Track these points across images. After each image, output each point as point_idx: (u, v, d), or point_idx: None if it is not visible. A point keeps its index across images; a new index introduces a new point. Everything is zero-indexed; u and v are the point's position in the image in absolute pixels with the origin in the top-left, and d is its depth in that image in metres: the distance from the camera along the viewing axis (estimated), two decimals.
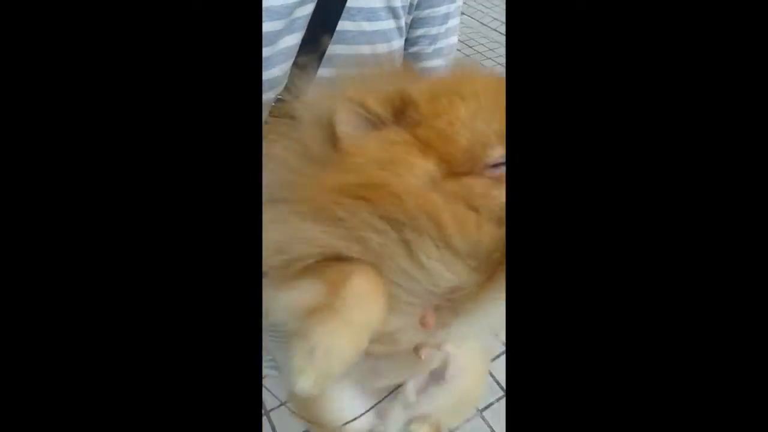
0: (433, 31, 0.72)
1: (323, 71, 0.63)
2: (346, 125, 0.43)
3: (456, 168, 0.41)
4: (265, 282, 0.39)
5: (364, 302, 0.39)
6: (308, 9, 0.62)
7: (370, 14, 0.65)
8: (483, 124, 0.42)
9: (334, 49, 0.64)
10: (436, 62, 0.74)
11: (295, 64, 0.62)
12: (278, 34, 0.61)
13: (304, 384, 0.35)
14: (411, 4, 0.68)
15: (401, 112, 0.43)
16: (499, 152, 0.41)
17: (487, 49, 3.52)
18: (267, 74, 0.62)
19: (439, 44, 0.73)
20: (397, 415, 0.65)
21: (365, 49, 0.65)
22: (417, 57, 0.73)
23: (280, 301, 0.42)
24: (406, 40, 0.71)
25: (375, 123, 0.43)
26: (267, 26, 0.59)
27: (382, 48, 0.67)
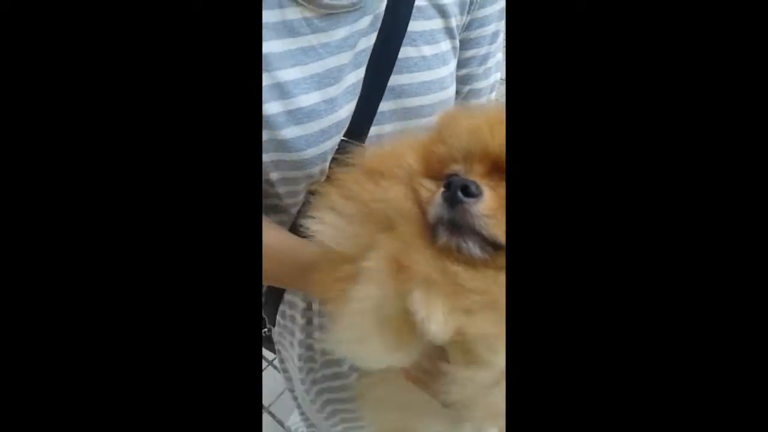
0: (483, 51, 0.70)
1: (385, 104, 0.62)
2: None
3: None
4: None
5: None
6: (372, 39, 0.60)
7: (430, 37, 0.63)
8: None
9: (396, 79, 0.62)
10: (484, 83, 0.72)
11: (360, 99, 0.60)
12: (342, 70, 0.59)
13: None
14: (464, 24, 0.66)
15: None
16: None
17: None
18: (334, 117, 0.60)
19: (489, 63, 0.71)
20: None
21: (426, 76, 0.64)
22: (467, 79, 0.71)
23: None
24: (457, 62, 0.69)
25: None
26: (332, 61, 0.58)
27: (442, 72, 0.65)
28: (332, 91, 0.59)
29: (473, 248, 0.39)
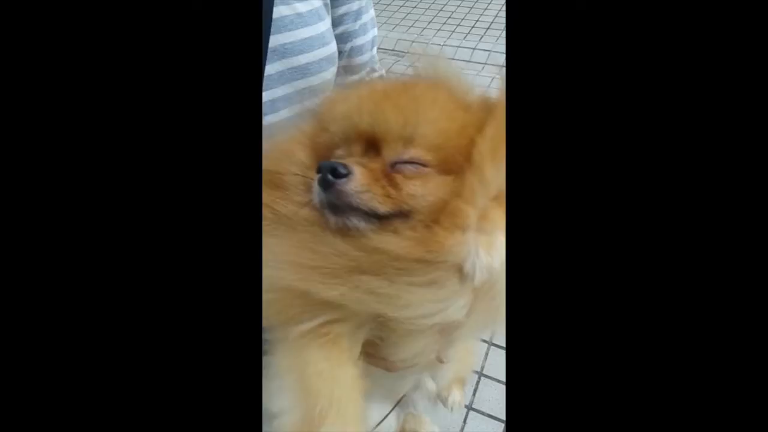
0: (354, 6, 0.72)
1: (271, 67, 0.61)
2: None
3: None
4: None
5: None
6: None
7: None
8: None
9: (277, 39, 0.60)
10: (363, 39, 0.75)
11: None
12: None
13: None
14: None
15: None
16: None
17: None
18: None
19: (363, 19, 0.74)
20: (421, 401, 0.78)
21: (306, 32, 0.63)
22: (346, 37, 0.73)
23: None
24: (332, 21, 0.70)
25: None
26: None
27: (320, 28, 0.65)
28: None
29: (358, 222, 0.41)
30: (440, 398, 0.76)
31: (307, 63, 0.64)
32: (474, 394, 1.67)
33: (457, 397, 0.73)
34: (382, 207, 0.41)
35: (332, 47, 0.68)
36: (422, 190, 0.41)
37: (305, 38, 0.63)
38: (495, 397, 1.64)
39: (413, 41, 3.49)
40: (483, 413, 1.62)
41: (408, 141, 0.42)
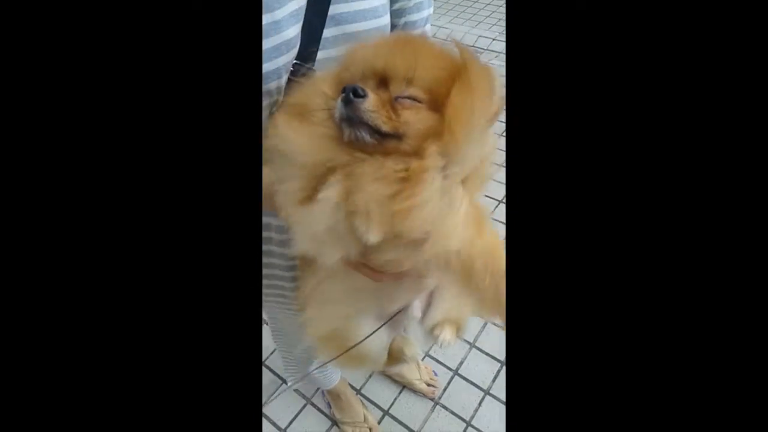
0: None
1: (328, 31, 0.71)
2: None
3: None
4: None
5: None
6: None
7: None
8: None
9: (335, 8, 0.70)
10: (417, 16, 0.82)
11: (304, 24, 0.69)
12: None
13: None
14: None
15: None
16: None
17: None
18: (283, 36, 0.67)
19: None
20: (414, 329, 0.83)
21: (360, 5, 0.72)
22: (401, 13, 0.81)
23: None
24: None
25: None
26: None
27: (374, 3, 0.73)
28: (278, 14, 0.66)
29: (365, 136, 0.52)
30: (432, 336, 0.81)
31: (359, 31, 0.74)
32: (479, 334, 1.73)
33: (448, 335, 0.77)
34: (384, 126, 0.52)
35: (384, 20, 0.76)
36: (413, 118, 0.53)
37: (359, 10, 0.73)
38: (496, 340, 1.69)
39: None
40: (484, 352, 1.68)
41: (409, 81, 0.54)
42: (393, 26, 0.81)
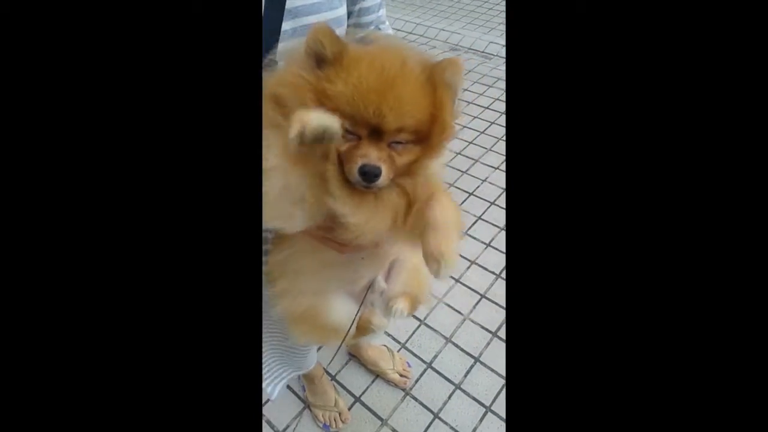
0: None
1: (286, 24, 0.74)
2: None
3: None
4: None
5: None
6: None
7: None
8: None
9: (291, 2, 0.74)
10: (371, 2, 0.87)
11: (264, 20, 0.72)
12: None
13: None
14: None
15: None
16: None
17: None
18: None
19: None
20: (378, 302, 0.87)
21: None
22: (356, 1, 0.86)
23: None
24: None
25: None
26: None
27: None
28: None
29: (371, 187, 0.62)
30: (387, 307, 0.85)
31: (315, 23, 0.75)
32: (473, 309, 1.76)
33: (401, 305, 0.81)
34: (387, 181, 0.63)
35: (339, 11, 0.81)
36: (405, 159, 0.64)
37: (315, 2, 0.77)
38: (472, 336, 1.73)
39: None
40: (459, 347, 1.72)
41: (399, 130, 0.63)
42: (349, 14, 0.86)
